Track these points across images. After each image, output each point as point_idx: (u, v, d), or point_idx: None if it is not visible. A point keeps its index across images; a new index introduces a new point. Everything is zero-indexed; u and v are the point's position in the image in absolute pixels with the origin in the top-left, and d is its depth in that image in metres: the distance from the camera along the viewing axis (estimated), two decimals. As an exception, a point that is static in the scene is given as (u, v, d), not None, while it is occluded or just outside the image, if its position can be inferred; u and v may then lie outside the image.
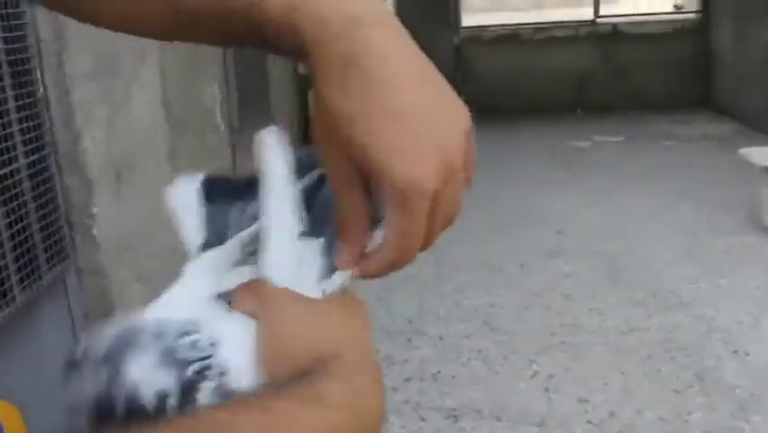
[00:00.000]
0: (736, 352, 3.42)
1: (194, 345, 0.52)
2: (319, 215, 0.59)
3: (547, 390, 3.20)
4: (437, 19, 9.71)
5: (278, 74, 6.32)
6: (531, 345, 3.58)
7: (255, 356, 0.52)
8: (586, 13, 10.10)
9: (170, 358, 0.52)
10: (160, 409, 0.50)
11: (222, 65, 4.63)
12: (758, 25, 7.73)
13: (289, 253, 0.57)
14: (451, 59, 9.72)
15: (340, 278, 0.58)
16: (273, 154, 0.59)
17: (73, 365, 0.53)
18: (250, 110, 5.09)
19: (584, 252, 4.74)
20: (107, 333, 0.53)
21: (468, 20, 10.36)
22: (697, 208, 5.39)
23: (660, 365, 3.34)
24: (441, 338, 3.68)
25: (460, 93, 0.58)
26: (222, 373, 0.52)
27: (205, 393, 0.51)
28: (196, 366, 0.52)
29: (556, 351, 3.52)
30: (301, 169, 0.60)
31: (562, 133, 8.54)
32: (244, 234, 0.60)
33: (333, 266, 0.58)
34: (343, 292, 0.57)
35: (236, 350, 0.53)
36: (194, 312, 0.55)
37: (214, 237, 0.61)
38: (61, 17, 2.63)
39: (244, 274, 0.58)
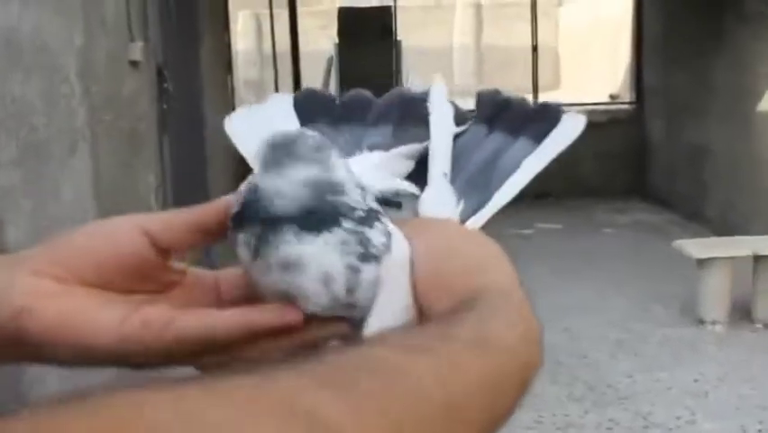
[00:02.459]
0: (673, 449, 3.39)
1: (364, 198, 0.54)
2: (456, 162, 0.68)
3: (484, 490, 3.11)
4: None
5: (218, 160, 6.28)
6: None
7: (411, 275, 0.53)
8: (525, 102, 10.34)
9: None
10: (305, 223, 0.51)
11: (158, 151, 4.57)
12: (689, 118, 7.98)
13: (444, 191, 0.65)
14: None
15: (480, 215, 0.67)
16: (441, 99, 0.72)
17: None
18: (187, 196, 5.01)
19: (523, 343, 4.71)
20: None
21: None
22: (633, 299, 5.43)
23: (598, 464, 3.29)
24: None
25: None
26: (385, 246, 0.53)
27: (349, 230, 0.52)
28: (363, 208, 0.53)
29: (494, 448, 3.44)
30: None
31: (504, 220, 8.60)
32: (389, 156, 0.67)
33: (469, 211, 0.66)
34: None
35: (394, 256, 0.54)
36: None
37: None
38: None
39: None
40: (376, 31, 9.92)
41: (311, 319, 0.52)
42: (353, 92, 0.75)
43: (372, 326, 0.53)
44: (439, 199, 0.64)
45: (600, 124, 9.94)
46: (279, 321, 0.51)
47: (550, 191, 9.64)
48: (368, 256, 0.53)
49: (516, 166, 0.70)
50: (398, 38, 10.40)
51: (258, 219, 0.52)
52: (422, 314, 0.52)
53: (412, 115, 0.72)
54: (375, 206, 0.55)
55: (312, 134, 0.54)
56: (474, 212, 0.67)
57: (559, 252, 6.99)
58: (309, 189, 0.52)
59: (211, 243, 0.56)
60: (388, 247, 0.54)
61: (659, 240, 6.98)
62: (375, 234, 0.53)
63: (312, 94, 0.74)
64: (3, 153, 2.65)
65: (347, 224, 0.52)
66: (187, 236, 0.54)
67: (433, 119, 0.70)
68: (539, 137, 0.72)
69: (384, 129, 0.72)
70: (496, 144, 0.72)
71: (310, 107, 0.72)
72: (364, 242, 0.52)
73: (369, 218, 0.53)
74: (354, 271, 0.52)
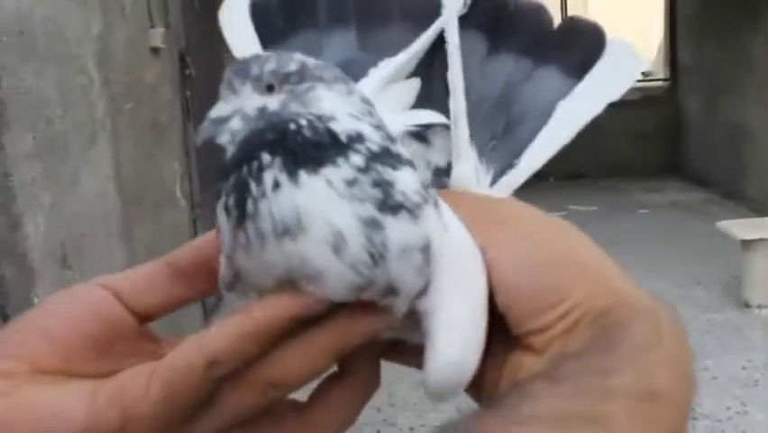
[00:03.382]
0: (724, 443, 3.24)
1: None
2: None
3: (526, 488, 2.99)
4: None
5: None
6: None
7: (508, 290, 0.41)
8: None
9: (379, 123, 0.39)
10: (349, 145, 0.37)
11: (182, 139, 4.46)
12: (725, 95, 7.75)
13: (469, 141, 0.48)
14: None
15: (512, 177, 0.50)
16: None
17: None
18: (213, 184, 4.91)
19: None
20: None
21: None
22: (673, 282, 5.25)
23: (645, 459, 3.15)
24: (412, 429, 3.47)
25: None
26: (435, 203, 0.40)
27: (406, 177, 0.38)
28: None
29: (535, 443, 3.32)
30: None
31: (535, 202, 8.45)
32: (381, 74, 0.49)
33: (502, 158, 0.49)
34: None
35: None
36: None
37: None
38: (2, 96, 2.45)
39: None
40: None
41: (338, 311, 0.38)
42: None
43: (443, 334, 0.39)
44: (472, 172, 0.47)
45: (634, 102, 9.70)
46: (285, 311, 0.37)
47: (582, 171, 9.45)
48: (393, 206, 0.36)
49: (546, 109, 0.50)
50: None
51: (233, 164, 0.37)
52: (503, 327, 0.41)
53: (377, 5, 0.52)
54: (397, 148, 0.38)
55: (274, 55, 0.40)
56: (496, 177, 0.49)
57: (594, 234, 6.78)
58: (275, 121, 0.38)
59: (197, 296, 0.43)
60: (426, 199, 0.38)
61: (697, 220, 6.79)
62: (402, 177, 0.37)
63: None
64: (18, 147, 2.55)
65: (355, 157, 0.36)
66: (167, 290, 0.42)
67: (449, 36, 0.48)
68: (575, 69, 0.51)
69: (343, 35, 0.52)
70: (506, 71, 0.51)
71: (263, 20, 0.53)
72: (383, 184, 0.36)
73: (386, 156, 0.37)
74: (373, 225, 0.36)
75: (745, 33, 7.16)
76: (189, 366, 0.36)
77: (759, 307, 4.63)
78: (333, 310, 0.38)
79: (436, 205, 0.39)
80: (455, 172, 0.47)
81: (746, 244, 4.61)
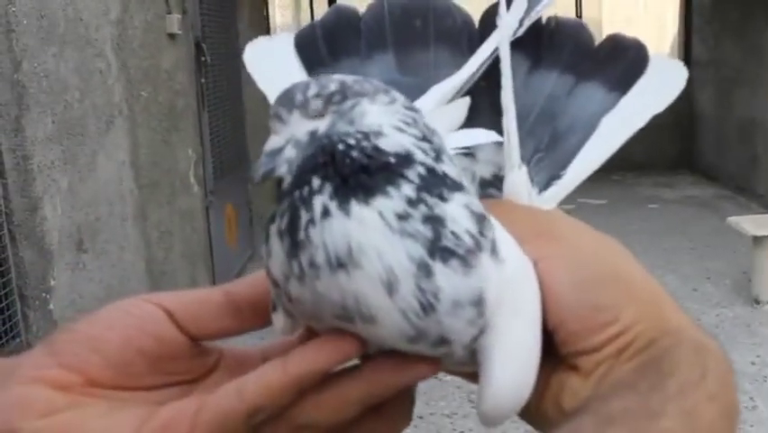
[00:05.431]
0: (732, 437, 3.25)
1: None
2: None
3: (534, 478, 3.00)
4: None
5: (259, 134, 6.19)
6: (519, 422, 3.39)
7: (556, 310, 0.40)
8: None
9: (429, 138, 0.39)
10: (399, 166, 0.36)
11: (197, 125, 4.48)
12: (739, 90, 7.71)
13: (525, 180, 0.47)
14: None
15: (559, 189, 0.50)
16: (508, 27, 0.49)
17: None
18: (226, 171, 4.93)
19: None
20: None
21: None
22: (683, 277, 5.25)
23: (653, 452, 3.16)
24: (421, 417, 3.48)
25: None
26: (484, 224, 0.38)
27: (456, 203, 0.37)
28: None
29: None
30: None
31: (544, 194, 8.44)
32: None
33: (549, 171, 0.50)
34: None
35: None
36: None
37: None
38: (22, 79, 2.47)
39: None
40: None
41: (386, 356, 0.38)
42: (331, 12, 0.56)
43: (497, 385, 0.39)
44: (524, 182, 0.48)
45: (646, 96, 9.68)
46: (324, 363, 0.38)
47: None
48: (443, 249, 0.35)
49: (590, 123, 0.52)
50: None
51: (288, 191, 0.37)
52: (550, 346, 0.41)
53: (411, 29, 0.53)
54: (443, 167, 0.37)
55: (313, 80, 0.40)
56: (541, 188, 0.50)
57: (603, 228, 6.76)
58: (324, 143, 0.37)
59: (250, 328, 0.44)
60: (479, 242, 0.36)
61: (708, 216, 6.78)
62: (452, 213, 0.36)
63: (309, 31, 0.56)
64: (38, 130, 2.57)
65: (405, 186, 0.36)
66: (222, 319, 0.42)
67: (502, 55, 0.47)
68: (618, 84, 0.52)
69: (382, 60, 0.53)
70: (549, 86, 0.53)
71: (308, 51, 0.56)
72: (432, 220, 0.36)
73: (434, 180, 0.36)
74: (424, 270, 0.35)
75: (759, 28, 7.12)
76: (231, 413, 0.38)
77: (769, 303, 4.64)
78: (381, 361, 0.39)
79: (492, 245, 0.38)
80: (507, 183, 0.47)
81: (757, 240, 4.60)
